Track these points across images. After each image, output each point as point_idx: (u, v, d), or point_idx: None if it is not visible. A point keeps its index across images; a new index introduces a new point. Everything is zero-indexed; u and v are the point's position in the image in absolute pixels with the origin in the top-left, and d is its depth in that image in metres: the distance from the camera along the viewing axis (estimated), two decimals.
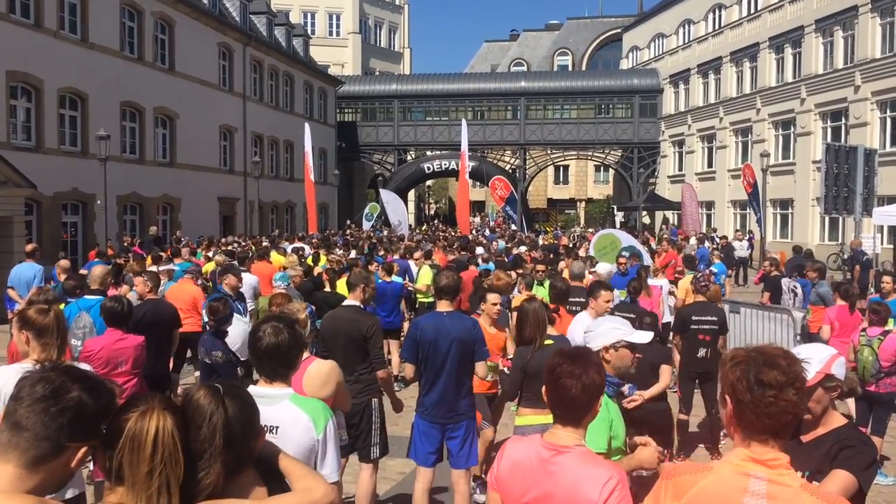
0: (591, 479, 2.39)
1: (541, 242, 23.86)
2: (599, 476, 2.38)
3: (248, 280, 11.69)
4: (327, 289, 11.05)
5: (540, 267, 11.30)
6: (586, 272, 10.14)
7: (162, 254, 15.39)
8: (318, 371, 4.06)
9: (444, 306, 5.59)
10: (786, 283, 12.72)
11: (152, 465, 1.82)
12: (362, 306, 6.06)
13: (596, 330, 3.90)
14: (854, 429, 3.04)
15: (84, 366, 3.97)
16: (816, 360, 2.92)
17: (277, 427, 3.02)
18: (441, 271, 6.00)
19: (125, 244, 21.21)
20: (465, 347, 5.36)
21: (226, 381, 2.22)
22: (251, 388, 3.14)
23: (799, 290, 12.48)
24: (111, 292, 10.90)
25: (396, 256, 15.20)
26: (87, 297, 7.54)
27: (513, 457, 2.65)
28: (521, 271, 11.40)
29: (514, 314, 8.96)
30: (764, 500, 2.02)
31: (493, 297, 6.76)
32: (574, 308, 8.08)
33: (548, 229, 42.48)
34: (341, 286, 10.56)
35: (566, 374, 2.53)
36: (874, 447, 3.05)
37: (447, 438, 5.45)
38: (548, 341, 5.33)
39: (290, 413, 3.05)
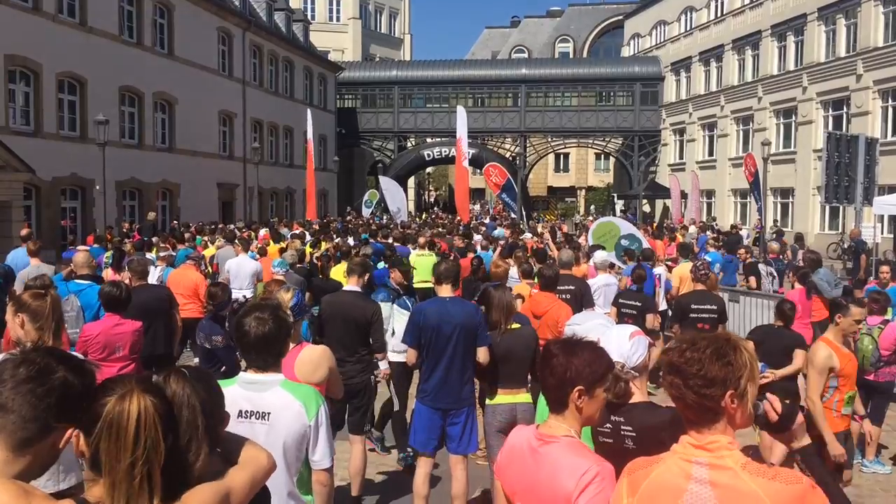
0: (569, 469, 2.36)
1: (540, 230, 23.83)
2: (578, 466, 2.34)
3: (253, 267, 11.70)
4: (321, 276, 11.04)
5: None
6: (574, 260, 10.08)
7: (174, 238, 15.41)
8: (310, 356, 4.04)
9: (445, 292, 5.59)
10: (762, 268, 12.77)
11: (135, 454, 1.70)
12: (361, 292, 6.18)
13: (584, 324, 3.76)
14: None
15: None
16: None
17: (269, 413, 2.99)
18: (442, 258, 6.01)
19: (124, 230, 21.17)
20: (469, 333, 5.36)
21: (189, 366, 2.17)
22: (243, 375, 3.12)
23: (776, 274, 12.54)
24: (113, 276, 10.91)
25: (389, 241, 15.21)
26: (77, 281, 7.49)
27: (509, 446, 2.64)
28: (518, 256, 11.43)
29: (517, 300, 9.01)
30: (707, 487, 2.02)
31: (858, 312, 5.77)
32: (563, 296, 8.05)
33: (548, 217, 42.43)
34: (335, 273, 10.62)
35: (555, 362, 2.51)
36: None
37: (448, 424, 5.45)
38: (514, 325, 5.58)
39: (282, 399, 3.02)
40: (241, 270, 11.48)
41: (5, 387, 1.80)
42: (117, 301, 5.99)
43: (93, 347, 5.75)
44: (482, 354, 5.43)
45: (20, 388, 1.80)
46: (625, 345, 3.06)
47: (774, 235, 23.12)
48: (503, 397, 5.44)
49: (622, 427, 2.97)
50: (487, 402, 5.56)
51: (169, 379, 2.00)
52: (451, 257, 13.46)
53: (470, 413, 5.52)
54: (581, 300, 8.32)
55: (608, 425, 2.99)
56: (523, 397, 5.51)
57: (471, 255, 13.14)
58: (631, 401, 3.01)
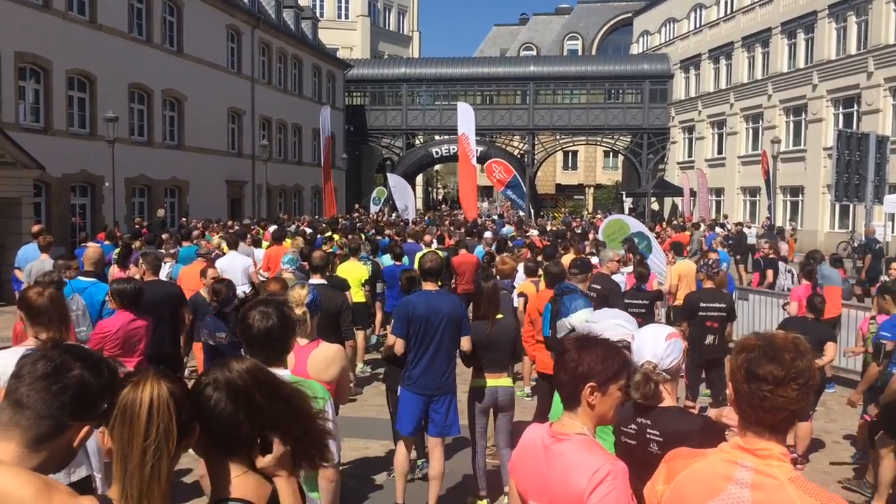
0: (582, 467, 2.33)
1: (549, 228, 23.82)
2: (591, 464, 2.31)
3: (242, 262, 11.69)
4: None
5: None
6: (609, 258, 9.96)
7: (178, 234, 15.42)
8: (325, 354, 4.05)
9: (429, 286, 5.99)
10: (782, 265, 12.74)
11: (147, 440, 1.71)
12: (328, 284, 6.81)
13: (601, 322, 3.65)
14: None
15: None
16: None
17: None
18: (426, 254, 6.43)
19: (136, 226, 21.21)
20: (454, 323, 5.77)
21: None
22: None
23: (794, 273, 12.51)
24: (119, 274, 10.92)
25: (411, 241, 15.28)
26: (80, 278, 7.48)
27: (524, 443, 2.61)
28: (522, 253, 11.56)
29: (520, 299, 9.00)
30: (748, 490, 1.98)
31: None
32: (590, 294, 8.00)
33: (556, 215, 42.39)
34: (341, 270, 10.68)
35: (567, 358, 2.48)
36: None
37: (432, 410, 5.80)
38: (499, 315, 6.21)
39: None
40: (231, 267, 11.48)
41: (22, 383, 1.81)
42: (132, 297, 6.02)
43: (111, 344, 5.75)
44: (465, 343, 5.87)
45: (36, 384, 1.80)
46: (660, 345, 2.99)
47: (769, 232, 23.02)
48: (487, 381, 6.05)
49: (648, 430, 2.92)
50: (471, 385, 6.14)
51: (239, 365, 1.99)
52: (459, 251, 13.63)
53: (451, 399, 5.90)
54: (608, 299, 8.23)
55: (633, 426, 2.95)
56: (505, 381, 6.13)
57: (463, 251, 13.51)
58: (661, 405, 2.95)
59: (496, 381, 6.05)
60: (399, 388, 5.94)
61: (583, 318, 5.88)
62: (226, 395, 1.91)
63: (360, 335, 11.07)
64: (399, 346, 5.87)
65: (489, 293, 6.20)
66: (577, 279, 6.98)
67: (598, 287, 8.40)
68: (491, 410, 6.12)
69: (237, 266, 11.43)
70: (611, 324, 3.53)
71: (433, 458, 5.87)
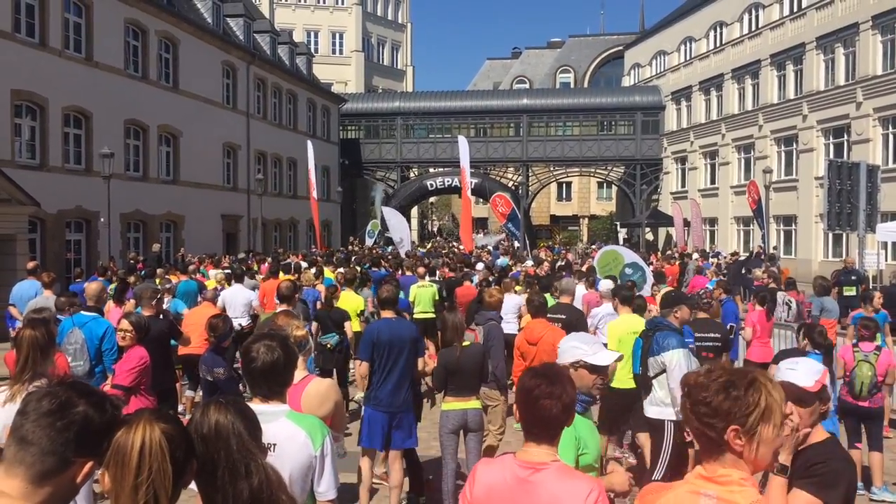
0: (571, 493, 2.36)
1: (543, 257, 23.86)
2: (580, 489, 2.36)
3: (246, 296, 11.73)
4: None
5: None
6: (577, 288, 10.12)
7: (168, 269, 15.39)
8: (317, 390, 4.05)
9: (388, 314, 6.55)
10: (781, 296, 12.70)
11: (138, 479, 1.80)
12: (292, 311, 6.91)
13: (560, 346, 3.70)
14: (833, 445, 2.99)
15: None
16: (809, 371, 2.90)
17: (275, 444, 2.99)
18: (383, 285, 7.06)
19: (131, 261, 21.17)
20: (412, 346, 6.39)
21: (228, 397, 2.23)
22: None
23: (793, 304, 12.48)
24: (116, 310, 10.91)
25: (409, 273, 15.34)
26: (82, 313, 7.51)
27: (486, 481, 2.60)
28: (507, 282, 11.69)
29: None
30: None
31: None
32: (555, 325, 8.08)
33: (554, 245, 42.49)
34: (341, 301, 10.68)
35: (545, 394, 2.51)
36: (850, 465, 2.96)
37: (395, 427, 6.28)
38: (465, 343, 6.60)
39: (287, 430, 3.03)
40: (235, 300, 11.57)
41: (27, 419, 1.84)
42: (148, 329, 6.32)
43: (145, 377, 5.96)
44: (422, 363, 6.52)
45: (41, 420, 1.83)
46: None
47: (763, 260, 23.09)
48: (456, 404, 6.39)
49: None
50: (442, 408, 6.50)
51: (209, 412, 2.11)
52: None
53: (410, 415, 6.44)
54: (576, 328, 8.29)
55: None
56: (473, 404, 6.48)
57: (468, 283, 13.51)
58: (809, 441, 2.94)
59: (465, 403, 6.39)
60: (364, 408, 6.44)
61: (676, 359, 6.00)
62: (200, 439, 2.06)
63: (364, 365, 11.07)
64: (363, 368, 6.42)
65: (453, 321, 6.61)
66: (663, 313, 6.95)
67: (563, 317, 8.51)
68: (461, 432, 6.46)
69: (240, 298, 11.53)
70: (567, 347, 3.59)
71: (393, 470, 6.33)
